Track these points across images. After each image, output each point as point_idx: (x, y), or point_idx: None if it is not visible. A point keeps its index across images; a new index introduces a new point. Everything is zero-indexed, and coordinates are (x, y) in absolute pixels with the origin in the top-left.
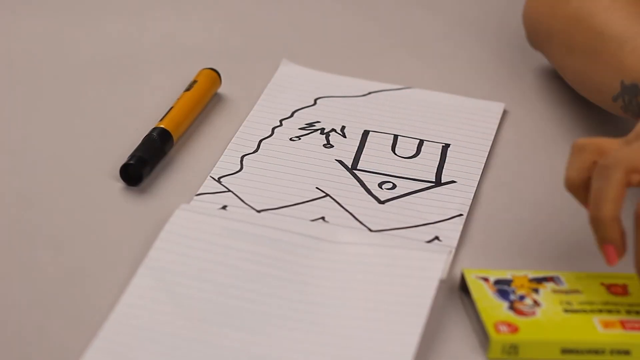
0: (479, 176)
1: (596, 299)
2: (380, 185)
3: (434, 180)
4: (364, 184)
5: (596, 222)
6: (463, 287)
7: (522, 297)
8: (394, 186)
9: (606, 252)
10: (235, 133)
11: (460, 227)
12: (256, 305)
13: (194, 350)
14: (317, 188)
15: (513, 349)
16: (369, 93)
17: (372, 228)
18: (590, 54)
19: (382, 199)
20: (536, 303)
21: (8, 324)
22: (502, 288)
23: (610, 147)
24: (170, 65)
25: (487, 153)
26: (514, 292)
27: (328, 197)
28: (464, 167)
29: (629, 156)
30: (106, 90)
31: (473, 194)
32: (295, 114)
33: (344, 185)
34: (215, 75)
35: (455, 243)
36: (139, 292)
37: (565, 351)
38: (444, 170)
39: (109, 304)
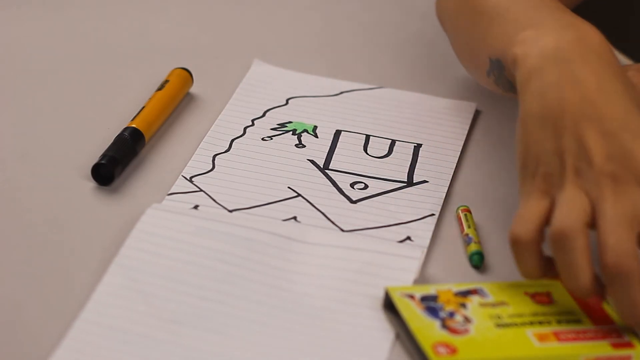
0: (451, 176)
1: (524, 310)
2: (352, 185)
3: (406, 180)
4: (336, 183)
5: (580, 292)
6: (388, 305)
7: (451, 314)
8: (366, 186)
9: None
10: (207, 132)
11: (432, 227)
12: (227, 306)
13: (164, 351)
14: (289, 188)
15: None
16: (341, 93)
17: (344, 228)
18: (470, 29)
19: (354, 199)
20: (467, 319)
21: None
22: (430, 305)
23: (540, 220)
24: (142, 65)
25: (459, 153)
26: (442, 308)
27: (300, 197)
28: (436, 167)
29: (569, 218)
30: (78, 89)
31: (445, 194)
32: (267, 114)
33: (316, 185)
34: (187, 74)
35: (427, 243)
36: (109, 290)
37: None
38: (415, 170)
39: (79, 302)
